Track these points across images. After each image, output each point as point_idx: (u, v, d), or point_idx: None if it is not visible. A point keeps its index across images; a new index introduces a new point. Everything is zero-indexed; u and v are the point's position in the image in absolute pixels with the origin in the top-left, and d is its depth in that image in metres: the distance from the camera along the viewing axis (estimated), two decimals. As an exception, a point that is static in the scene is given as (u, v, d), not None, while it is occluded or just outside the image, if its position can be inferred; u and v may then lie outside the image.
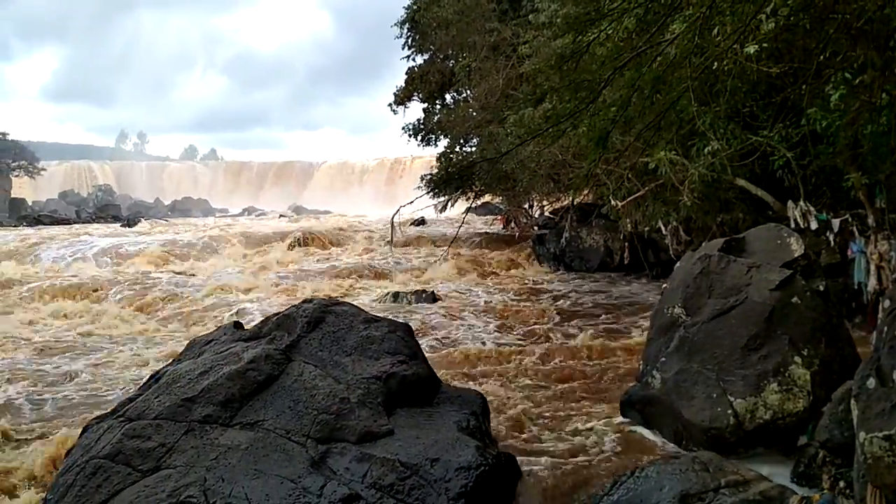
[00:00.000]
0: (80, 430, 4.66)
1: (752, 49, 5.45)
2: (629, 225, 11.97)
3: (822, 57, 5.74)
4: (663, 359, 5.35)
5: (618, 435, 5.41)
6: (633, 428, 5.48)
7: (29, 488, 4.82)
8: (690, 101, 4.52)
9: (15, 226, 37.87)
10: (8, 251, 19.34)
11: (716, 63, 5.19)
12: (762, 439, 4.78)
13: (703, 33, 4.73)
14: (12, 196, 54.01)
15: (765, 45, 5.59)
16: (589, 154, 6.76)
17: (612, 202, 9.92)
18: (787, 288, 5.16)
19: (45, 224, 38.57)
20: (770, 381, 4.81)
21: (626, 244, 14.84)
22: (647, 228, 11.70)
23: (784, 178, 7.84)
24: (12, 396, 7.02)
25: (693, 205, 8.20)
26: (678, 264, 6.08)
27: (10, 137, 54.64)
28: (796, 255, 5.77)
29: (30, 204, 54.42)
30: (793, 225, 7.45)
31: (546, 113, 7.26)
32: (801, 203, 7.73)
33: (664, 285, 6.18)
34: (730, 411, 4.80)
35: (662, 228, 10.71)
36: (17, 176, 55.87)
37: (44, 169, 59.40)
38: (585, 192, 15.61)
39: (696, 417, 4.89)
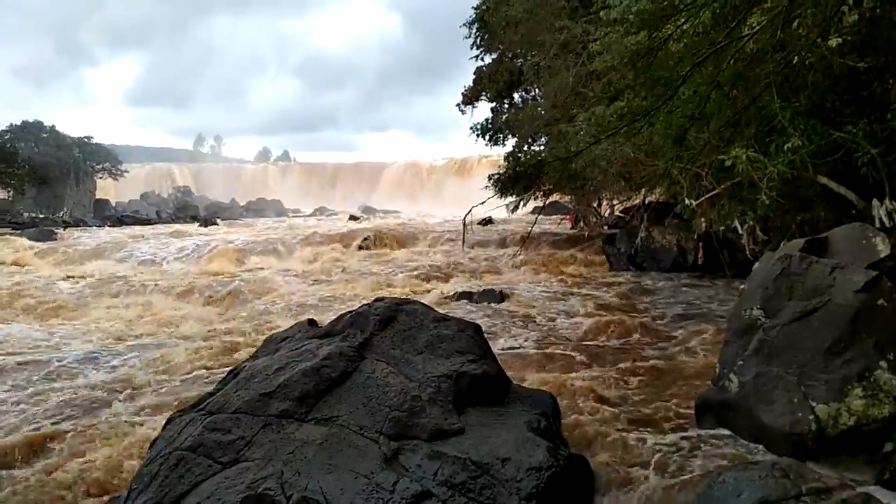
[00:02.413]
0: (163, 423, 4.84)
1: (834, 42, 5.25)
2: (703, 224, 11.67)
3: (909, 49, 5.49)
4: (741, 362, 5.21)
5: (693, 439, 5.29)
6: (709, 432, 5.33)
7: (114, 478, 5.01)
8: (773, 96, 4.37)
9: (99, 226, 39.60)
10: (98, 250, 20.34)
11: (796, 57, 5.02)
12: (845, 446, 4.60)
13: (783, 27, 4.59)
14: (97, 197, 56.42)
15: (848, 37, 5.38)
16: (665, 152, 6.62)
17: (687, 201, 9.69)
18: (872, 290, 4.95)
19: (127, 224, 40.25)
20: (854, 386, 4.64)
21: (700, 244, 14.49)
22: (722, 228, 11.38)
23: (868, 175, 7.51)
24: (97, 387, 7.33)
25: (771, 203, 7.94)
26: (757, 265, 5.91)
27: (94, 140, 56.95)
28: (882, 255, 5.52)
29: (113, 205, 56.77)
30: (878, 224, 7.12)
31: (620, 111, 7.15)
32: (887, 201, 7.38)
33: (741, 286, 6.01)
34: (811, 417, 4.64)
35: (738, 228, 10.39)
36: (101, 178, 58.30)
37: (126, 171, 61.75)
38: (658, 190, 15.30)
39: (776, 422, 4.75)
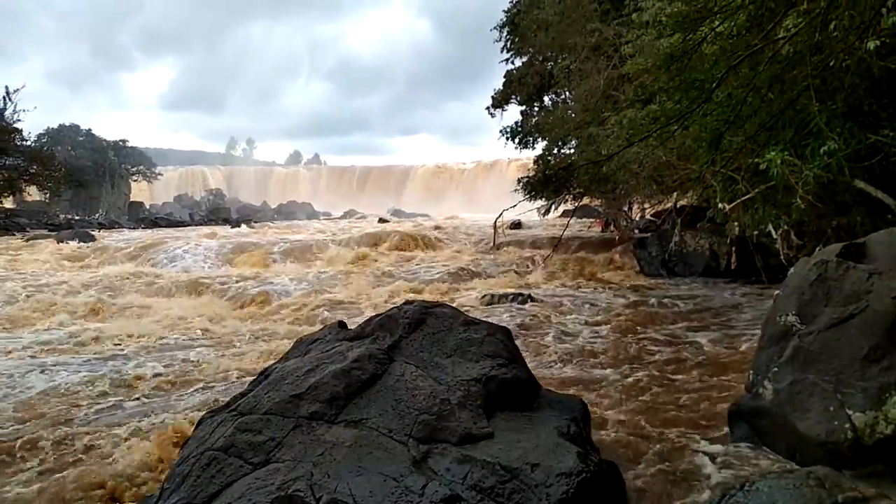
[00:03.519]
0: (195, 423, 4.89)
1: (872, 45, 5.15)
2: (736, 229, 11.51)
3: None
4: (775, 369, 5.12)
5: (725, 447, 5.22)
6: (742, 440, 5.26)
7: (146, 479, 5.06)
8: (811, 99, 4.29)
9: (133, 227, 40.27)
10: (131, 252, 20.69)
11: (833, 60, 4.93)
12: (882, 455, 4.49)
13: (820, 29, 4.51)
14: (131, 199, 57.43)
15: (886, 40, 5.27)
16: (699, 156, 6.53)
17: (720, 205, 9.57)
18: (912, 296, 4.83)
19: (161, 226, 40.88)
20: (892, 395, 4.52)
21: (733, 249, 14.30)
22: (755, 232, 11.22)
23: (906, 179, 7.36)
24: (130, 387, 7.43)
25: (806, 208, 7.81)
26: (792, 270, 5.81)
27: (129, 144, 57.95)
28: (922, 261, 5.39)
29: (147, 207, 57.77)
30: (916, 229, 6.97)
31: (653, 114, 7.08)
32: (926, 206, 7.23)
33: (776, 292, 5.92)
34: (847, 425, 4.55)
35: (773, 232, 10.24)
36: (136, 180, 59.40)
37: (160, 174, 62.82)
38: (690, 194, 15.14)
39: (811, 431, 4.66)
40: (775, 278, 12.04)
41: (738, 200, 9.36)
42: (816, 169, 6.90)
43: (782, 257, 10.33)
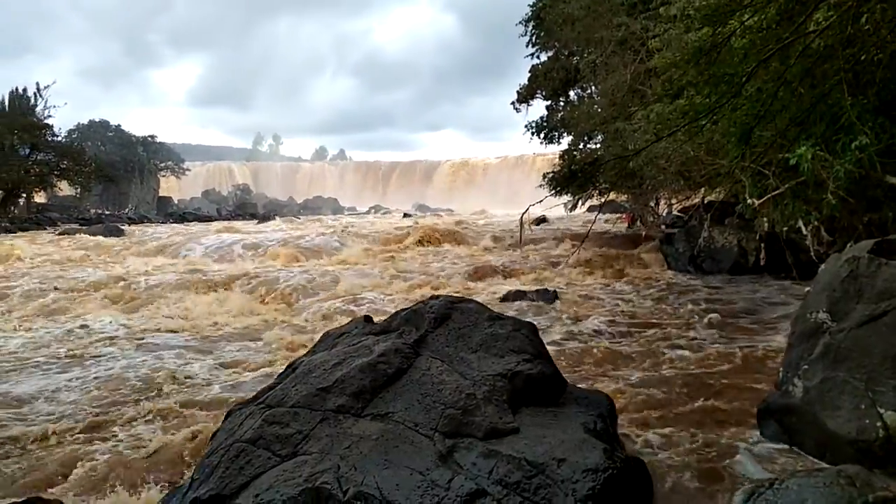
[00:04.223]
0: (223, 415, 4.95)
1: (905, 38, 5.06)
2: (766, 224, 11.35)
3: None
4: (806, 366, 5.06)
5: (754, 444, 5.17)
6: (771, 438, 5.21)
7: (175, 468, 5.14)
8: (843, 93, 4.22)
9: (162, 222, 40.80)
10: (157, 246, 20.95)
11: (865, 54, 4.85)
12: (915, 455, 4.44)
13: (852, 23, 4.44)
14: (160, 194, 58.13)
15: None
16: (729, 151, 6.45)
17: (749, 200, 9.45)
18: (945, 293, 4.75)
19: (189, 221, 41.38)
20: (925, 394, 4.47)
21: (762, 245, 14.11)
22: (785, 228, 11.07)
23: (939, 175, 7.21)
24: (157, 379, 7.53)
25: (837, 203, 7.69)
26: (823, 267, 5.74)
27: (157, 140, 58.61)
28: (956, 258, 5.29)
29: (175, 202, 58.45)
30: (951, 225, 6.84)
31: (682, 108, 7.01)
32: (961, 202, 7.08)
33: (806, 289, 5.84)
34: (879, 423, 4.49)
35: (802, 228, 10.08)
36: (164, 176, 60.05)
37: (188, 169, 63.45)
38: (717, 189, 14.96)
39: (842, 429, 4.60)
40: (805, 275, 11.88)
41: (768, 196, 9.23)
42: (848, 164, 6.78)
43: (812, 254, 10.17)
